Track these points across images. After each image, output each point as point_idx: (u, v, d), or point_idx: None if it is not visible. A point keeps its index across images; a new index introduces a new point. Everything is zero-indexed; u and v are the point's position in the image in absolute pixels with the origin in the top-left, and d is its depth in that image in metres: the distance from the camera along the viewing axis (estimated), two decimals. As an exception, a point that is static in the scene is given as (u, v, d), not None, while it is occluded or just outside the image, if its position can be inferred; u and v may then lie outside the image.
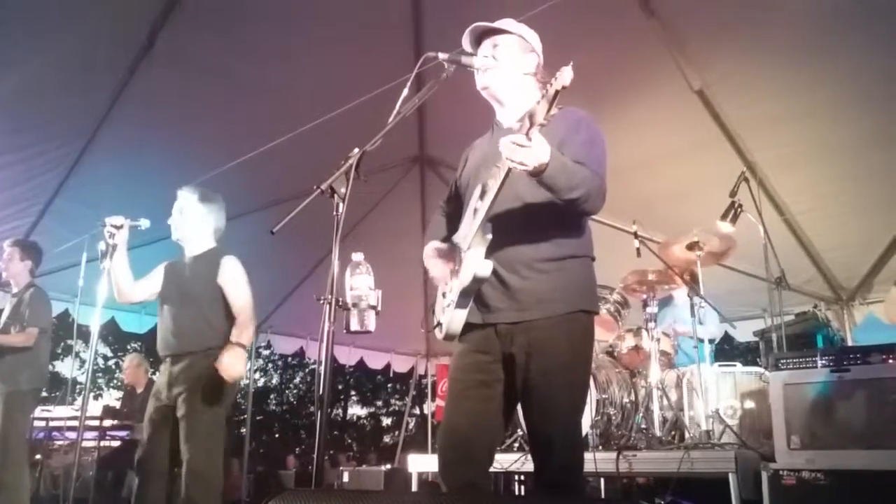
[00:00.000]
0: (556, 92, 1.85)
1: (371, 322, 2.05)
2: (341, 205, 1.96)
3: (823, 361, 3.80)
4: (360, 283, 2.08)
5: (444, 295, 2.36)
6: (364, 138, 2.15)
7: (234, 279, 3.62)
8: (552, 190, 2.11)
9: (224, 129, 5.44)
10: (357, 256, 2.14)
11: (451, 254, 2.37)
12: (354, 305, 2.03)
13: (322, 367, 1.81)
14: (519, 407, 2.37)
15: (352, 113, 4.20)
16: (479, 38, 2.45)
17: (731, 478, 3.74)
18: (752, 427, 4.48)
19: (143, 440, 3.53)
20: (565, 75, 1.84)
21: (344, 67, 5.14)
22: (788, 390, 3.86)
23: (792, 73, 4.82)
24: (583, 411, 2.35)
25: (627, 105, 5.16)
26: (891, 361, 3.57)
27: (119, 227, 3.56)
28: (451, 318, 2.26)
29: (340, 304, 1.96)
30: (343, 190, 1.97)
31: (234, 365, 3.38)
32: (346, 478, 5.68)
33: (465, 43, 2.44)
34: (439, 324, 2.34)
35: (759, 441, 4.28)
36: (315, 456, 1.82)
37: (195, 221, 3.73)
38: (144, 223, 3.63)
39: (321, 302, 1.87)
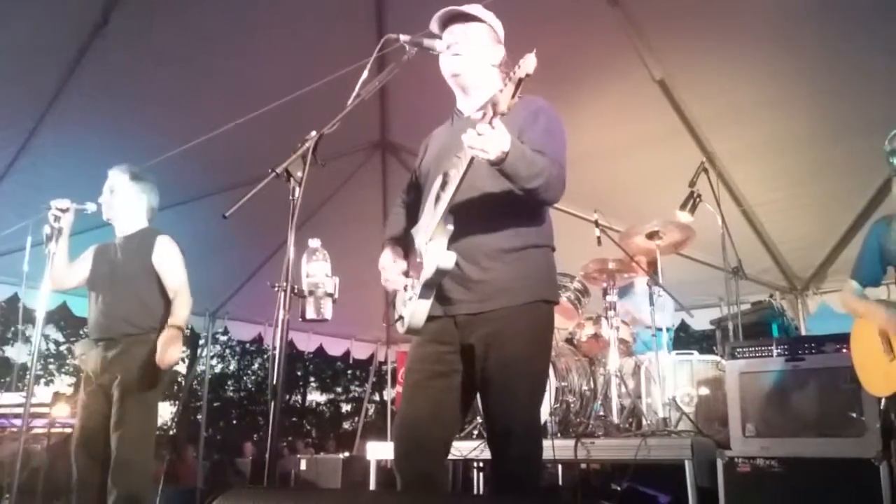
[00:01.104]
0: (520, 80, 1.82)
1: (328, 310, 2.00)
2: (297, 189, 1.90)
3: (779, 350, 3.86)
4: (317, 270, 2.02)
5: (405, 288, 2.33)
6: (325, 122, 2.10)
7: (168, 259, 3.54)
8: (512, 179, 2.09)
9: (178, 112, 5.30)
10: (314, 243, 2.09)
11: (408, 255, 2.35)
12: (311, 293, 1.98)
13: (276, 356, 1.76)
14: (478, 396, 2.35)
15: (312, 96, 4.13)
16: (448, 22, 2.40)
17: (687, 465, 3.78)
18: (708, 415, 4.54)
19: (77, 427, 3.43)
20: (529, 62, 1.81)
21: (304, 50, 5.05)
22: (744, 379, 3.92)
23: (752, 66, 4.86)
24: (541, 402, 2.34)
25: (589, 93, 5.16)
26: (844, 351, 3.63)
27: (65, 211, 3.45)
28: (414, 310, 2.23)
29: (296, 291, 1.90)
30: (299, 174, 1.91)
31: (169, 351, 3.31)
32: (303, 465, 5.63)
33: (434, 25, 2.40)
34: (401, 317, 2.31)
35: (714, 428, 4.33)
36: (268, 448, 1.76)
37: (127, 201, 3.64)
38: (91, 207, 3.54)
39: (276, 289, 1.82)
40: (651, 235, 4.95)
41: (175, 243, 3.60)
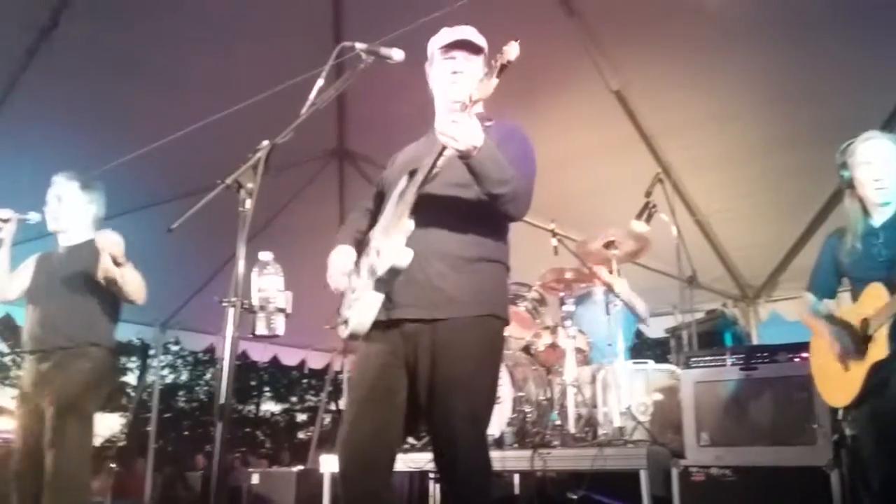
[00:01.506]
0: (503, 66, 1.80)
1: (279, 326, 1.93)
2: (248, 200, 1.84)
3: (732, 360, 3.89)
4: (269, 285, 1.95)
5: (352, 290, 2.25)
6: (281, 130, 2.04)
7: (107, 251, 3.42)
8: (480, 179, 2.05)
9: (128, 118, 5.15)
10: (265, 256, 2.01)
11: (359, 252, 2.29)
12: (261, 308, 1.90)
13: (223, 374, 1.68)
14: None
15: (268, 104, 4.04)
16: (455, 47, 2.39)
17: (642, 474, 3.78)
18: (664, 424, 4.56)
19: (16, 448, 3.29)
20: (512, 50, 1.80)
21: (260, 57, 4.95)
22: (699, 388, 3.95)
23: (706, 77, 4.93)
24: (489, 420, 2.27)
25: (546, 102, 5.17)
26: (797, 360, 3.69)
27: (6, 221, 3.32)
28: (361, 311, 2.14)
29: (246, 306, 1.83)
30: (250, 185, 1.84)
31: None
32: (255, 479, 5.50)
33: (439, 38, 2.40)
34: (346, 321, 2.23)
35: (670, 437, 4.35)
36: (213, 472, 1.68)
37: (75, 210, 3.53)
38: (35, 217, 3.41)
39: (223, 305, 1.74)
40: (607, 245, 4.98)
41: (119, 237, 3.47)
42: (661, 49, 4.80)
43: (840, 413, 3.18)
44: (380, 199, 2.48)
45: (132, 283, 3.33)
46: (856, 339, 2.77)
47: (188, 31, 4.71)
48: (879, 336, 2.64)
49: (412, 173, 2.14)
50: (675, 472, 3.79)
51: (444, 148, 1.99)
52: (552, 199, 5.46)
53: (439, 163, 2.04)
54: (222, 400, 1.65)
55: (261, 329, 1.90)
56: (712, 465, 3.69)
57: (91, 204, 3.57)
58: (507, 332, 5.30)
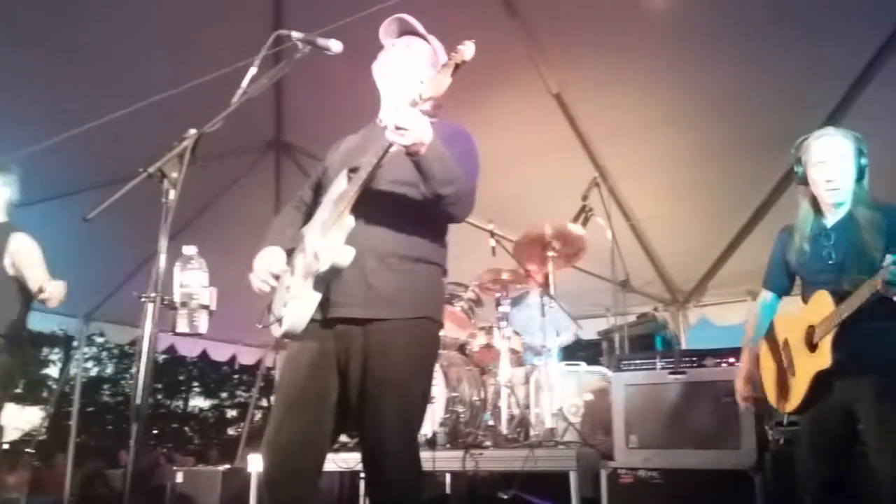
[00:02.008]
0: (457, 65, 1.76)
1: (202, 323, 1.84)
2: (172, 191, 1.75)
3: (662, 364, 3.96)
4: (192, 280, 1.85)
5: (287, 289, 2.18)
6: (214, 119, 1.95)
7: (26, 256, 3.27)
8: (427, 178, 2.01)
9: (47, 100, 4.91)
10: (189, 250, 1.91)
11: (291, 250, 2.22)
12: (183, 304, 1.81)
13: (140, 374, 1.59)
14: None
15: (203, 92, 3.91)
16: (400, 33, 2.40)
17: (572, 476, 3.82)
18: (595, 425, 4.60)
19: None
20: (468, 49, 1.77)
21: (194, 42, 4.79)
22: (629, 391, 4.00)
23: (644, 84, 5.01)
24: (421, 424, 2.23)
25: (486, 103, 5.15)
26: (724, 365, 3.77)
27: None
28: (297, 311, 2.06)
29: (166, 302, 1.74)
30: (175, 174, 1.75)
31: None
32: (180, 478, 5.34)
33: (385, 32, 2.38)
34: (279, 320, 2.15)
35: (600, 439, 4.40)
36: (128, 471, 1.60)
37: None
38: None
39: (142, 300, 1.65)
40: (544, 247, 5.00)
41: (33, 240, 3.32)
42: (602, 54, 4.85)
43: (785, 419, 3.24)
44: (315, 190, 2.42)
45: (55, 299, 3.17)
46: (798, 348, 2.73)
47: (118, 13, 4.52)
48: (823, 345, 2.60)
49: (354, 170, 2.07)
50: (603, 474, 3.83)
51: (389, 145, 1.94)
52: (491, 199, 5.44)
53: (384, 160, 1.99)
54: (138, 400, 1.56)
55: (182, 326, 1.80)
56: (640, 468, 3.74)
57: (4, 188, 3.42)
58: (442, 332, 5.31)
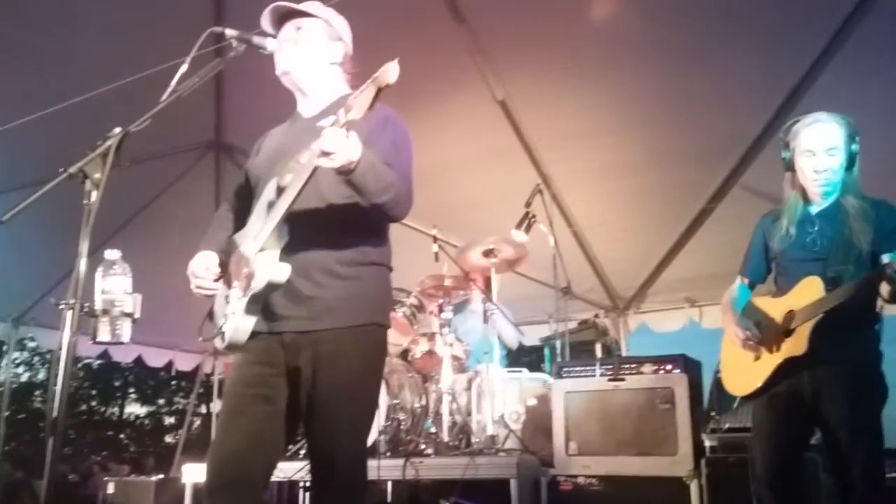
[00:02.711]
0: (380, 89, 1.71)
1: (125, 332, 1.75)
2: (94, 192, 1.66)
3: (602, 371, 3.99)
4: (114, 286, 1.76)
5: (226, 300, 2.12)
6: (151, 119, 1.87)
7: None
8: (360, 191, 1.96)
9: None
10: (112, 255, 1.82)
11: (227, 260, 2.15)
12: (105, 312, 1.72)
13: (58, 385, 1.50)
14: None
15: (140, 90, 3.79)
16: (282, 19, 2.24)
17: (512, 483, 3.81)
18: (537, 432, 4.61)
19: None
20: (391, 72, 1.71)
21: (131, 40, 4.65)
22: (569, 398, 4.02)
23: (586, 94, 5.07)
24: (368, 432, 2.21)
25: (431, 108, 5.14)
26: (661, 372, 3.82)
27: None
28: (237, 326, 2.01)
29: (86, 310, 1.65)
30: (98, 175, 1.67)
31: None
32: (111, 489, 5.15)
33: (265, 23, 2.22)
34: (221, 332, 2.10)
35: (541, 445, 4.41)
36: (43, 489, 1.51)
37: None
38: None
39: (61, 308, 1.56)
40: (487, 253, 5.00)
41: None
42: (546, 63, 4.88)
43: (737, 402, 3.23)
44: (245, 192, 2.34)
45: None
46: (771, 331, 2.62)
47: (50, 4, 4.35)
48: (801, 331, 2.49)
49: (281, 189, 2.01)
50: (543, 481, 3.83)
51: (315, 169, 1.88)
52: (435, 205, 5.46)
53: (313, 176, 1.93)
54: (55, 413, 1.47)
55: (103, 335, 1.71)
56: (579, 475, 3.76)
57: None
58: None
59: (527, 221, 5.04)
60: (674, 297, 6.99)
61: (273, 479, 4.25)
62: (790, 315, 2.56)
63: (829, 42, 4.39)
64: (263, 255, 1.99)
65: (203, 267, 2.18)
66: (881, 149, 4.55)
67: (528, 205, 5.04)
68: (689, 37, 4.52)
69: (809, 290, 2.51)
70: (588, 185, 5.87)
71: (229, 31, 1.97)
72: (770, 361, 2.58)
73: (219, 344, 2.12)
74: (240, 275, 2.06)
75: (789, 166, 2.71)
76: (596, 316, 6.59)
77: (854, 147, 2.62)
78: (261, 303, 2.02)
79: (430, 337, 5.07)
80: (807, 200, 2.69)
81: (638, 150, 5.41)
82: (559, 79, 4.97)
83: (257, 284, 1.97)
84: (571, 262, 5.56)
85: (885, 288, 2.36)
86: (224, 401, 2.17)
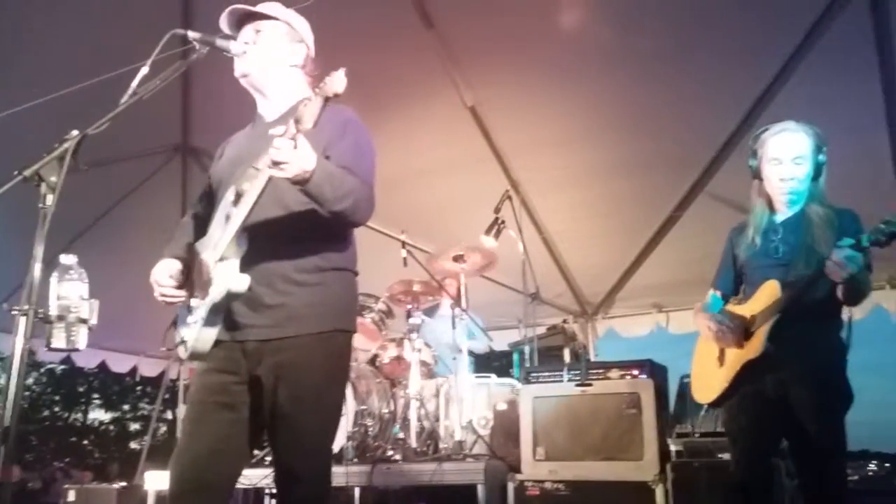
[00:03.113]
0: (327, 99, 1.68)
1: (81, 339, 1.71)
2: (50, 196, 1.62)
3: (569, 376, 4.00)
4: (70, 292, 1.72)
5: (188, 309, 2.09)
6: (117, 122, 1.83)
7: None
8: (317, 201, 1.93)
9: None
10: (67, 259, 1.78)
11: (185, 278, 2.12)
12: (60, 318, 1.68)
13: (10, 392, 1.46)
14: None
15: (104, 92, 3.72)
16: (241, 21, 2.21)
17: (480, 489, 3.80)
18: (506, 437, 4.61)
19: None
20: (337, 82, 1.68)
21: (96, 42, 4.56)
22: (537, 403, 4.03)
23: (556, 101, 5.09)
24: (333, 440, 2.19)
25: (401, 113, 5.13)
26: (628, 377, 3.84)
27: None
28: (199, 336, 1.99)
29: (41, 315, 1.61)
30: (54, 178, 1.63)
31: None
32: (71, 496, 5.05)
33: (225, 25, 2.19)
34: (184, 341, 2.07)
35: (510, 451, 4.41)
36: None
37: None
38: None
39: (14, 314, 1.52)
40: (456, 258, 4.99)
41: None
42: (516, 69, 4.90)
43: (704, 409, 3.24)
44: (208, 198, 2.31)
45: None
46: (735, 336, 2.60)
47: (9, 4, 4.26)
48: (758, 334, 2.49)
49: (238, 198, 1.98)
50: (511, 487, 3.83)
51: (269, 179, 1.86)
52: (404, 210, 5.47)
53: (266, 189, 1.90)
54: (7, 422, 1.43)
55: (58, 341, 1.67)
56: (546, 480, 3.76)
57: None
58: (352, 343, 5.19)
59: (496, 227, 5.05)
60: (641, 302, 7.06)
61: (238, 485, 4.23)
62: (753, 319, 2.57)
63: (794, 51, 4.47)
64: (223, 265, 1.96)
65: (165, 275, 2.15)
66: (844, 157, 4.65)
67: (497, 210, 5.04)
68: (657, 45, 4.57)
69: (767, 294, 2.53)
70: (557, 191, 5.90)
71: (192, 34, 1.94)
72: (731, 367, 2.59)
73: (182, 353, 2.09)
74: (201, 284, 2.04)
75: (756, 174, 2.72)
76: (564, 321, 6.63)
77: (821, 157, 2.64)
78: (221, 312, 2.00)
79: (399, 342, 5.05)
80: (772, 210, 2.70)
81: (606, 157, 5.46)
82: (528, 85, 4.99)
83: (217, 294, 1.94)
84: (540, 267, 5.58)
85: (839, 289, 2.40)
86: (187, 408, 2.14)
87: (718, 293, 2.86)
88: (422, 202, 5.80)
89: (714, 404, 2.76)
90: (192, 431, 2.08)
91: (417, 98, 5.14)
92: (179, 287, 2.14)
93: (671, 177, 5.56)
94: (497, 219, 5.05)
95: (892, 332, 6.82)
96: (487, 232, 5.06)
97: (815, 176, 2.65)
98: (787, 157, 2.61)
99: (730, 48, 4.57)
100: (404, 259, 4.88)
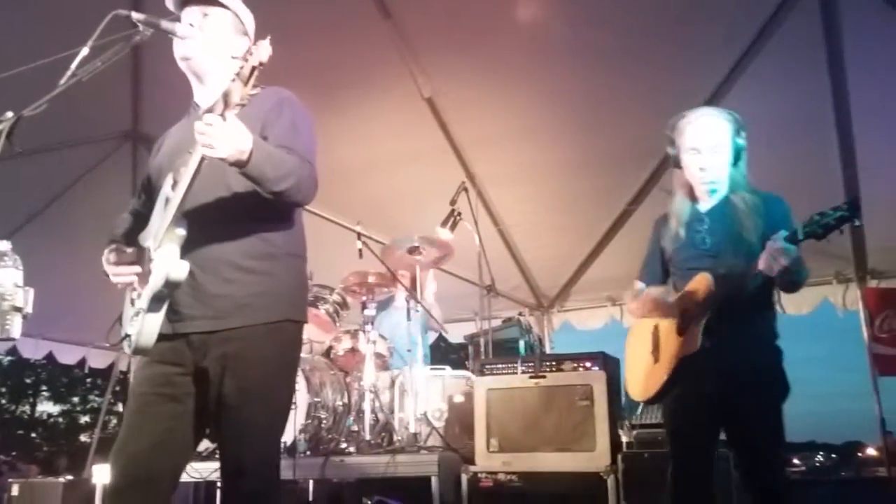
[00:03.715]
0: (253, 68, 1.64)
1: (14, 327, 1.65)
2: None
3: (523, 368, 4.02)
4: (4, 279, 1.66)
5: (132, 302, 2.03)
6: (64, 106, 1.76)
7: None
8: (258, 182, 1.89)
9: None
10: (1, 246, 1.72)
11: (136, 256, 2.06)
12: (-8, 306, 1.63)
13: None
14: None
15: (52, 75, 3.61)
16: (187, 1, 2.14)
17: (434, 480, 3.81)
18: (462, 429, 4.62)
19: None
20: (262, 50, 1.64)
21: (41, 23, 4.43)
22: (491, 395, 4.03)
23: (514, 95, 5.11)
24: (282, 433, 2.14)
25: (358, 104, 5.09)
26: (581, 369, 3.87)
27: None
28: (142, 328, 1.93)
29: (-29, 304, 1.56)
30: (-13, 161, 1.57)
31: None
32: (15, 491, 4.91)
33: (170, 3, 2.13)
34: (127, 336, 2.00)
35: (464, 443, 4.41)
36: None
37: None
38: None
39: (-58, 302, 1.47)
40: (412, 250, 4.97)
41: None
42: (473, 62, 4.90)
43: (640, 407, 3.25)
44: (148, 190, 2.25)
45: None
46: (671, 330, 2.53)
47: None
48: (693, 329, 2.42)
49: (175, 182, 1.93)
50: (464, 479, 3.84)
51: (202, 159, 1.81)
52: (360, 201, 5.43)
53: (203, 166, 1.85)
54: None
55: (-10, 330, 1.62)
56: (500, 471, 3.77)
57: None
58: (306, 335, 5.14)
59: (452, 219, 5.04)
60: (596, 295, 7.13)
61: (189, 479, 4.19)
62: (685, 314, 2.49)
63: (746, 49, 4.55)
64: (161, 252, 1.91)
65: (114, 256, 2.09)
66: (794, 154, 4.76)
67: (453, 202, 5.03)
68: (613, 41, 4.61)
69: (703, 287, 2.45)
70: (514, 184, 5.92)
71: (135, 15, 1.88)
72: (667, 363, 2.52)
73: (126, 348, 2.02)
74: (143, 275, 1.98)
75: (676, 163, 2.66)
76: (520, 314, 6.65)
77: (739, 141, 2.56)
78: (163, 302, 1.94)
79: (354, 334, 5.02)
80: (694, 199, 2.64)
81: (562, 151, 5.50)
82: (486, 78, 5.00)
83: (156, 283, 1.89)
84: (497, 260, 5.60)
85: (776, 279, 2.32)
86: (129, 400, 2.08)
87: (643, 286, 2.79)
88: (378, 193, 5.76)
89: (651, 401, 2.70)
90: (134, 424, 2.03)
91: (375, 89, 5.11)
92: (134, 260, 2.06)
93: (626, 171, 5.62)
94: (453, 211, 5.04)
95: (838, 326, 7.01)
96: (443, 224, 5.05)
97: (735, 161, 2.56)
98: (705, 145, 2.53)
99: (684, 46, 4.64)
100: (360, 251, 4.84)
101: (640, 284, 2.80)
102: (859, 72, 4.58)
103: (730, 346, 2.38)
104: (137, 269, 2.04)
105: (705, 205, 2.61)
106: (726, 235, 2.51)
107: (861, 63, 4.55)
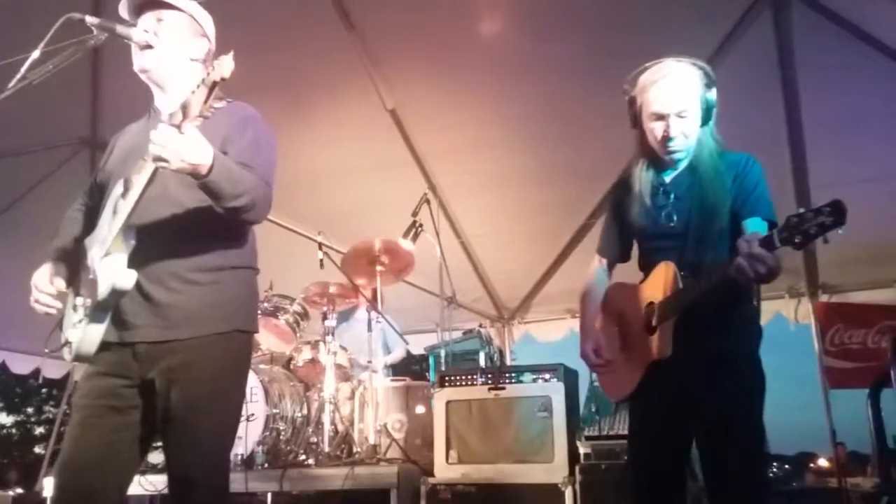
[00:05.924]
0: (214, 83, 1.63)
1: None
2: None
3: (482, 380, 4.03)
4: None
5: (74, 308, 2.00)
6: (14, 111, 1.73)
7: None
8: (214, 196, 1.87)
9: None
10: None
11: (76, 265, 2.03)
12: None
13: None
14: None
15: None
16: (142, 7, 2.11)
17: (393, 493, 3.80)
18: (424, 441, 4.61)
19: None
20: (224, 65, 1.63)
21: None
22: (450, 406, 4.04)
23: (476, 108, 5.15)
24: (231, 445, 2.12)
25: (320, 114, 5.09)
26: (540, 381, 3.89)
27: None
28: (84, 336, 1.90)
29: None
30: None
31: None
32: (-39, 506, 4.78)
33: (124, 10, 2.09)
34: (68, 343, 1.97)
35: (424, 455, 4.41)
36: None
37: None
38: None
39: None
40: (373, 261, 4.96)
41: None
42: (436, 74, 4.94)
43: (613, 406, 3.23)
44: (98, 191, 2.21)
45: None
46: (635, 326, 2.33)
47: None
48: (664, 330, 2.19)
49: (126, 190, 1.91)
50: (423, 490, 3.83)
51: (155, 171, 1.79)
52: (322, 211, 5.42)
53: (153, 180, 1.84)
54: None
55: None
56: (458, 483, 3.78)
57: None
58: (265, 345, 5.07)
59: (414, 230, 5.04)
60: (556, 307, 7.19)
61: (144, 492, 4.11)
62: (651, 308, 2.28)
63: (708, 60, 4.63)
64: (108, 260, 1.89)
65: (47, 280, 2.06)
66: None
67: (415, 214, 5.03)
68: (572, 56, 4.67)
69: (665, 280, 2.22)
70: (475, 196, 5.96)
71: (89, 18, 1.85)
72: (638, 364, 2.30)
73: (66, 356, 2.00)
74: (87, 282, 1.95)
75: (634, 122, 2.36)
76: (481, 325, 6.68)
77: (710, 97, 2.25)
78: (108, 311, 1.92)
79: (314, 345, 4.99)
80: (658, 167, 2.34)
81: (524, 163, 5.55)
82: (449, 90, 5.03)
83: (101, 291, 1.87)
84: (458, 272, 5.61)
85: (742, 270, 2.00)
86: (73, 413, 2.04)
87: (604, 262, 2.56)
88: (340, 203, 5.75)
89: (623, 401, 2.52)
90: (79, 437, 1.98)
91: (338, 99, 5.11)
92: (64, 288, 2.03)
93: (586, 185, 5.67)
94: (415, 222, 5.04)
95: (790, 339, 7.15)
96: (405, 235, 5.05)
97: (705, 120, 2.26)
98: (671, 110, 2.21)
99: (643, 61, 4.70)
100: (321, 261, 4.82)
101: (597, 263, 2.57)
102: (812, 91, 4.71)
103: (699, 346, 2.15)
104: (59, 304, 2.02)
105: (671, 172, 2.33)
106: (693, 212, 2.25)
107: (813, 82, 4.68)
